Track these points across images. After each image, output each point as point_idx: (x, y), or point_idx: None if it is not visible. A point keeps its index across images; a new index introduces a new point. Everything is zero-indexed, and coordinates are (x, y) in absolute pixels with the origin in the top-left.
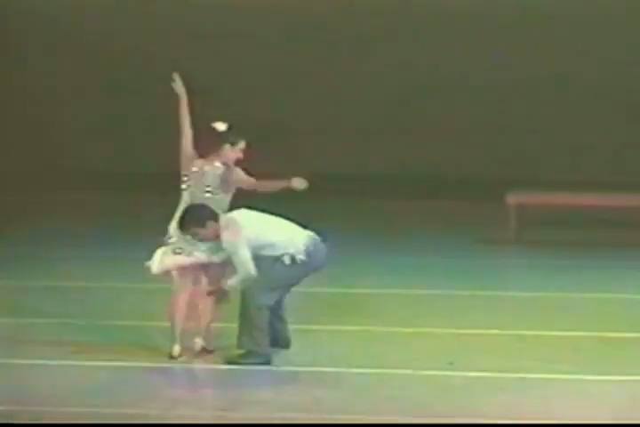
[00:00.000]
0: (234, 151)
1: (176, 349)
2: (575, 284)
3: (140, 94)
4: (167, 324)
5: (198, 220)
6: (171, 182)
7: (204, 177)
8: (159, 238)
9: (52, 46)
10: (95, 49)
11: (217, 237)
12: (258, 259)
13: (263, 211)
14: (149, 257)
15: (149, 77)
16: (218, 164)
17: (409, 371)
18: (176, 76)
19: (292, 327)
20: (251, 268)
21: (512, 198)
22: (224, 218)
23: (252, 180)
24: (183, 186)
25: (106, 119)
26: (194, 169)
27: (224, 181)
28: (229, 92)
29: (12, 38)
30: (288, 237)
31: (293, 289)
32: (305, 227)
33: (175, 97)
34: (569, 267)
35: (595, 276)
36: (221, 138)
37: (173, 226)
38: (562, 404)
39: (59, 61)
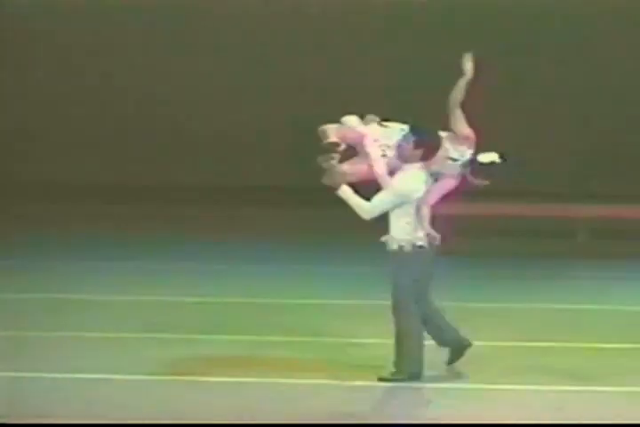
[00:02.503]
0: None
1: None
2: (500, 294)
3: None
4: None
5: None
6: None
7: None
8: None
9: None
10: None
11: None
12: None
13: None
14: None
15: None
16: None
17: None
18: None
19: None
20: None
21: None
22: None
23: None
24: None
25: (97, 135)
26: None
27: None
28: None
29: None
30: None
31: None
32: None
33: None
34: (492, 277)
35: (525, 286)
36: None
37: None
38: (536, 414)
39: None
